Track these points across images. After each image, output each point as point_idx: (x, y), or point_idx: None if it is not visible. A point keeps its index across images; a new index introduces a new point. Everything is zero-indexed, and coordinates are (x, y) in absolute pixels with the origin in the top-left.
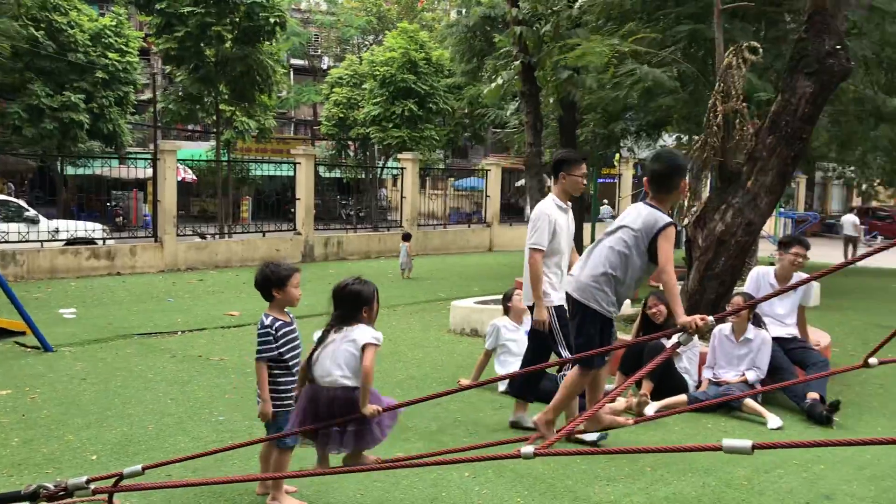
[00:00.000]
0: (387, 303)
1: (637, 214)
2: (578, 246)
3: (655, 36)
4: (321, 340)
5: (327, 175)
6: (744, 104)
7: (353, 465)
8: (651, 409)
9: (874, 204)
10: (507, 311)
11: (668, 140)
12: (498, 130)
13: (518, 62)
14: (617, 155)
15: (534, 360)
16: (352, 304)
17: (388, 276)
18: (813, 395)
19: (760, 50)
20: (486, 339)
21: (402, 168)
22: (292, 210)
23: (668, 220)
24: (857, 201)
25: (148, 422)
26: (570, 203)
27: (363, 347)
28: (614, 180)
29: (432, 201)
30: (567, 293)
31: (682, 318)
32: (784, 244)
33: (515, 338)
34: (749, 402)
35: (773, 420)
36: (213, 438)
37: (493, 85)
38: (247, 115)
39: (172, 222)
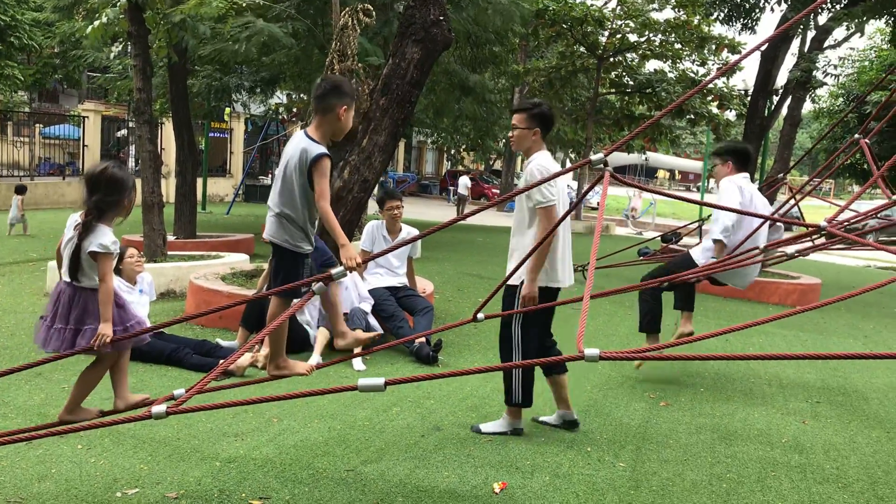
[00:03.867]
0: None
1: (290, 148)
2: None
3: None
4: (74, 234)
5: None
6: (359, 65)
7: None
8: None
9: (460, 168)
10: (119, 272)
11: (281, 97)
12: (96, 74)
13: (125, 0)
14: (228, 109)
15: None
16: (110, 190)
17: None
18: (420, 339)
19: (374, 13)
20: None
21: None
22: None
23: (320, 151)
24: (447, 165)
25: None
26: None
27: (92, 255)
28: (225, 135)
29: (17, 149)
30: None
31: (347, 248)
32: (379, 202)
33: (130, 299)
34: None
35: (357, 363)
36: None
37: (97, 23)
38: None
39: None
